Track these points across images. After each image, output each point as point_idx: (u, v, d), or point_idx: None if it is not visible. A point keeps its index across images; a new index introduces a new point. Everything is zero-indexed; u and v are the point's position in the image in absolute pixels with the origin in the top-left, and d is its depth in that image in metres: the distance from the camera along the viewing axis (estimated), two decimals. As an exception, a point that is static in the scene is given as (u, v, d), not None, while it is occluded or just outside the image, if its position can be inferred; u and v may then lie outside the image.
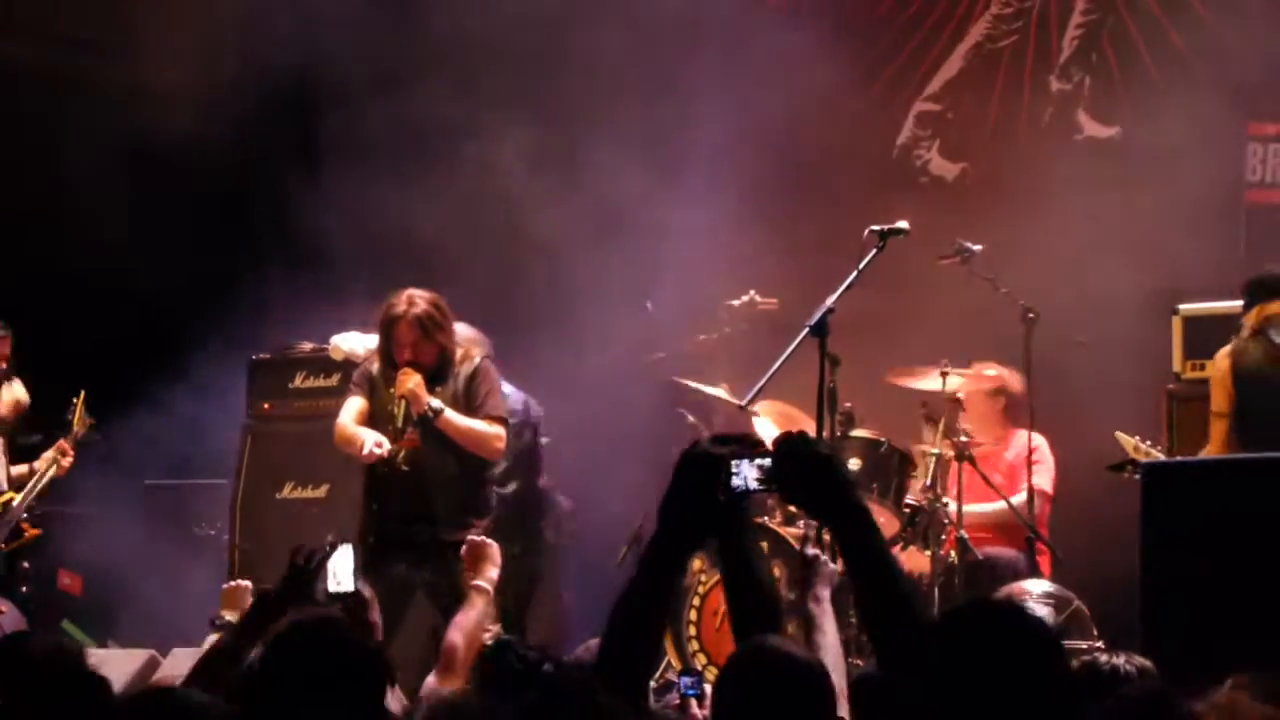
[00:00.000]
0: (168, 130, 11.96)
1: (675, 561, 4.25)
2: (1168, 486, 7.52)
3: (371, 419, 9.13)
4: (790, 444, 4.13)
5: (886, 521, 10.01)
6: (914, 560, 10.09)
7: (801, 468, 4.08)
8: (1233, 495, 7.34)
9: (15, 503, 9.91)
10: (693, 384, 10.69)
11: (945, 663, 3.55)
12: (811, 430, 8.32)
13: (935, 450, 10.08)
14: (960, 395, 10.36)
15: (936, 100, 13.11)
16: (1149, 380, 10.45)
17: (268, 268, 12.08)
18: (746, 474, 4.13)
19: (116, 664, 8.26)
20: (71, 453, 10.05)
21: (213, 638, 7.40)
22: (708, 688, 5.45)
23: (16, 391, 10.38)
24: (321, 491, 10.65)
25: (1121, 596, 8.11)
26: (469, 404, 9.09)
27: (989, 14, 13.00)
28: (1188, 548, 7.23)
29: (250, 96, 12.61)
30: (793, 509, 9.38)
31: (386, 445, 8.95)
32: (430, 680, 6.61)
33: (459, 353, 9.18)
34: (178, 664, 7.91)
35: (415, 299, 9.03)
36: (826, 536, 5.15)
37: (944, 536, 9.94)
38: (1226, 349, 9.47)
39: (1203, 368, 10.00)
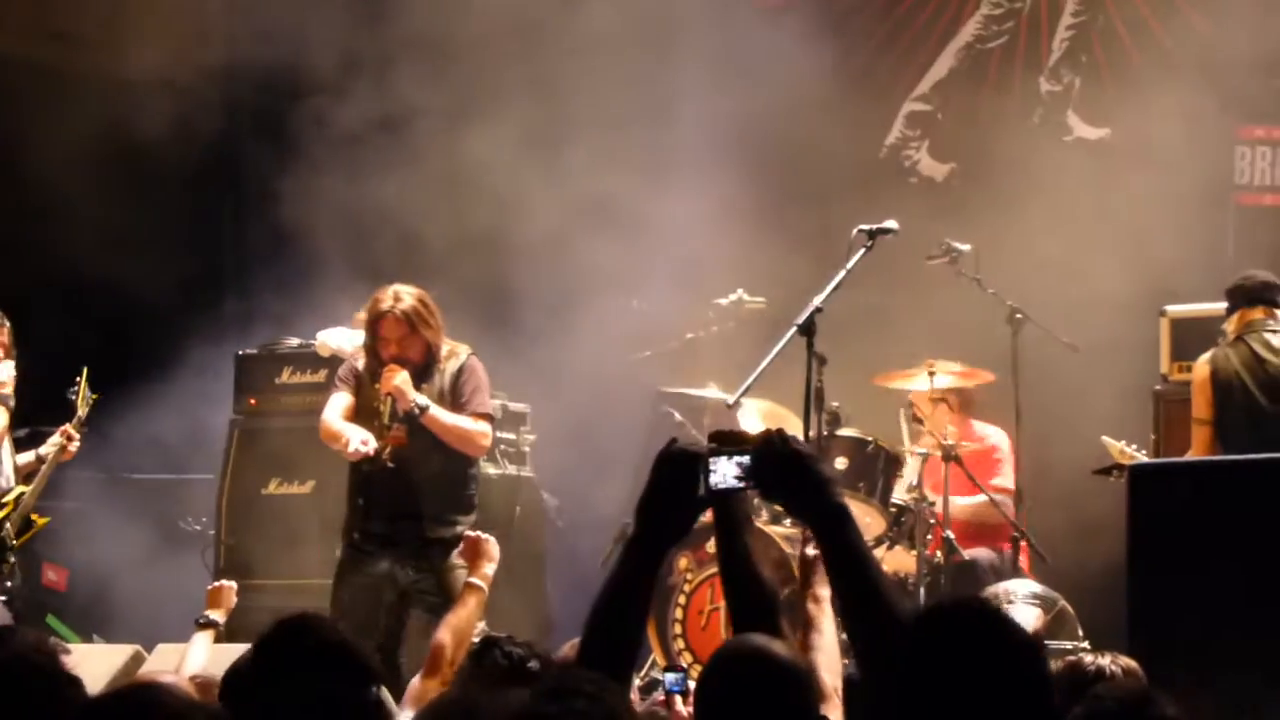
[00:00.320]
0: (151, 123, 11.95)
1: (653, 559, 4.24)
2: (1153, 487, 7.52)
3: (358, 415, 9.11)
4: (769, 442, 4.12)
5: (873, 521, 10.03)
6: (900, 559, 10.10)
7: (780, 465, 4.07)
8: (1218, 496, 7.34)
9: (26, 496, 9.88)
10: (677, 389, 10.71)
11: (919, 665, 3.54)
12: (799, 429, 8.33)
13: (922, 450, 10.09)
14: (910, 397, 10.44)
15: (926, 100, 13.12)
16: (1136, 381, 10.47)
17: (254, 262, 12.08)
18: (725, 471, 4.11)
19: (101, 659, 8.24)
20: (78, 437, 9.97)
21: (199, 635, 7.43)
22: (692, 685, 5.45)
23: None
24: (308, 487, 10.63)
25: (1108, 596, 8.11)
26: (455, 400, 9.07)
27: (979, 14, 13.01)
28: (1173, 548, 7.23)
29: (234, 89, 12.61)
30: (779, 508, 9.38)
31: (373, 442, 8.93)
32: (414, 682, 6.60)
33: (445, 349, 9.16)
34: (163, 659, 7.89)
35: (401, 295, 9.01)
36: None
37: (930, 536, 9.94)
38: (1207, 355, 9.49)
39: (1190, 369, 10.01)
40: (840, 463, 9.95)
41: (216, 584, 7.83)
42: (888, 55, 13.09)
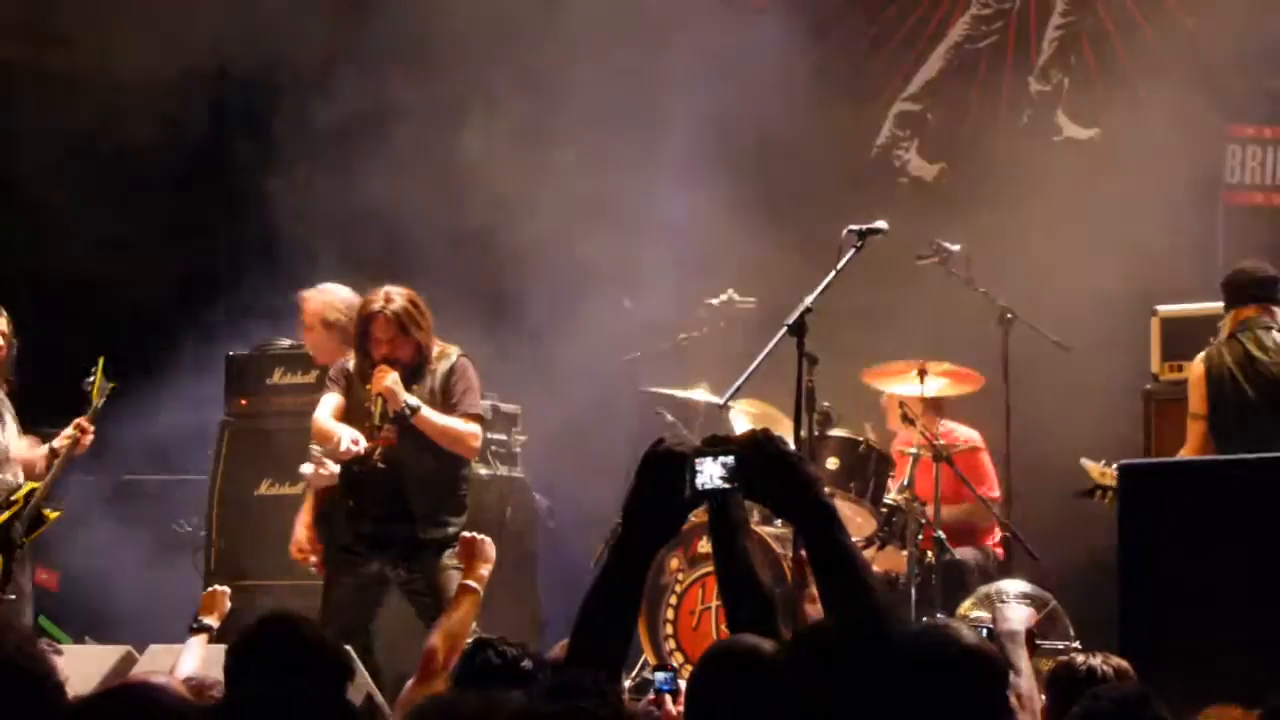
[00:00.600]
0: (141, 125, 11.95)
1: (641, 560, 4.25)
2: (1143, 487, 7.53)
3: (349, 415, 9.11)
4: (754, 443, 4.13)
5: (864, 521, 10.04)
6: (891, 559, 10.10)
7: (765, 466, 4.08)
8: (1208, 496, 7.35)
9: (37, 493, 9.85)
10: (668, 390, 10.72)
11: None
12: (790, 429, 8.33)
13: (914, 450, 10.09)
14: (882, 399, 10.46)
15: (916, 101, 13.13)
16: (1127, 381, 10.47)
17: (246, 263, 12.07)
18: (710, 472, 4.12)
19: (92, 660, 8.22)
20: (91, 429, 9.90)
21: (193, 640, 7.43)
22: (683, 684, 5.45)
23: None
24: (299, 488, 10.61)
25: (1099, 596, 8.13)
26: (445, 401, 9.07)
27: (968, 15, 13.01)
28: (1165, 547, 7.24)
29: (223, 90, 12.60)
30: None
31: (363, 442, 8.93)
32: (408, 686, 6.59)
33: (436, 350, 9.16)
34: (154, 660, 7.88)
35: (392, 295, 9.01)
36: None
37: (920, 536, 9.95)
38: (1203, 352, 9.49)
39: (1181, 369, 10.02)
40: (831, 463, 9.96)
41: (210, 589, 7.83)
42: (877, 56, 13.10)
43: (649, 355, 11.36)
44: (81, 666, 7.35)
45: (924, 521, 9.93)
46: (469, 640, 6.30)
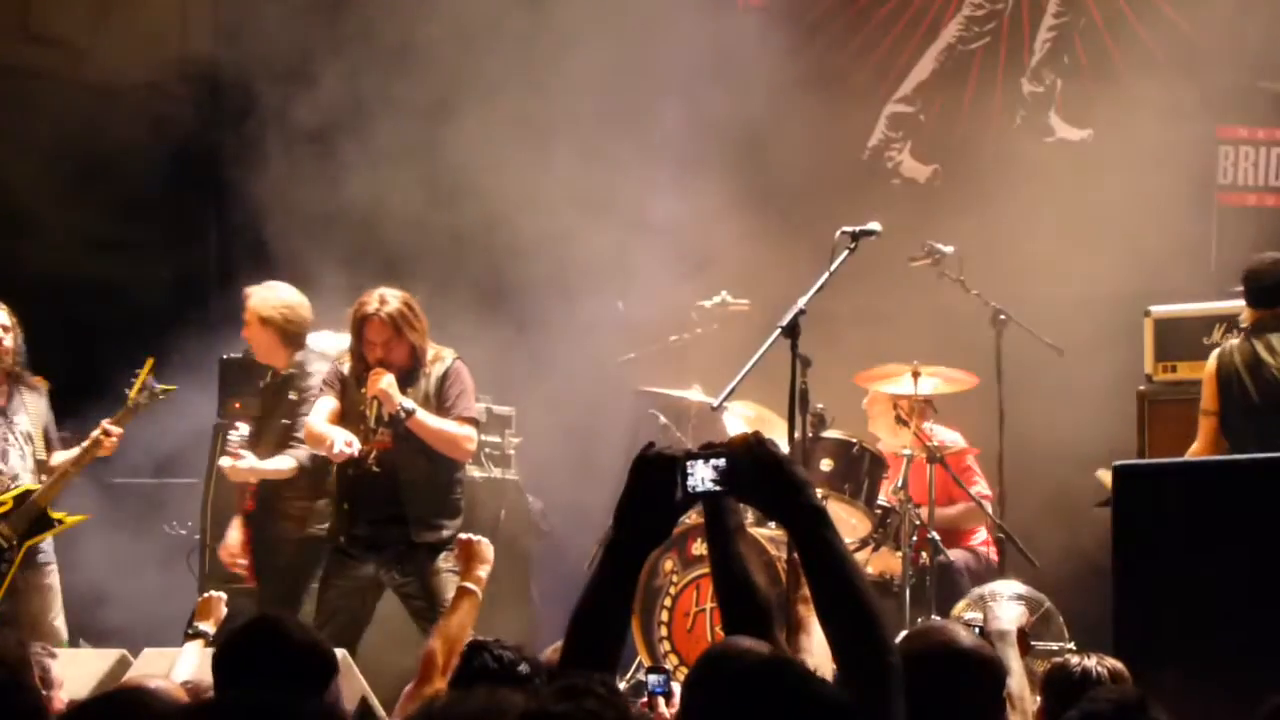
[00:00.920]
0: (132, 126, 11.94)
1: (633, 562, 4.25)
2: (1138, 488, 7.53)
3: (343, 419, 9.12)
4: (745, 445, 4.13)
5: (858, 522, 10.04)
6: (885, 561, 10.10)
7: (756, 468, 4.09)
8: (1203, 497, 7.35)
9: (34, 495, 9.83)
10: (661, 391, 10.72)
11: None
12: (784, 431, 8.33)
13: (908, 451, 10.09)
14: (863, 402, 10.47)
15: (908, 102, 13.13)
16: (1120, 382, 10.46)
17: (237, 264, 12.06)
18: (701, 475, 4.12)
19: (87, 664, 8.22)
20: (118, 431, 9.82)
21: (190, 645, 7.43)
22: (676, 687, 5.45)
23: None
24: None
25: (1093, 597, 8.13)
26: (440, 404, 9.08)
27: (960, 16, 13.01)
28: (1159, 548, 7.24)
29: (216, 91, 12.59)
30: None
31: (357, 444, 8.94)
32: (407, 689, 6.59)
33: (430, 353, 9.17)
34: (148, 664, 7.88)
35: (387, 297, 9.02)
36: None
37: (915, 538, 9.95)
38: (1218, 349, 9.47)
39: (1174, 369, 10.03)
40: (825, 465, 9.96)
41: (205, 595, 7.84)
42: (870, 57, 13.10)
43: (642, 357, 11.37)
44: (76, 670, 7.35)
45: (918, 523, 9.93)
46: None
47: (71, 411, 10.43)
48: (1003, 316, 10.43)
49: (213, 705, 4.23)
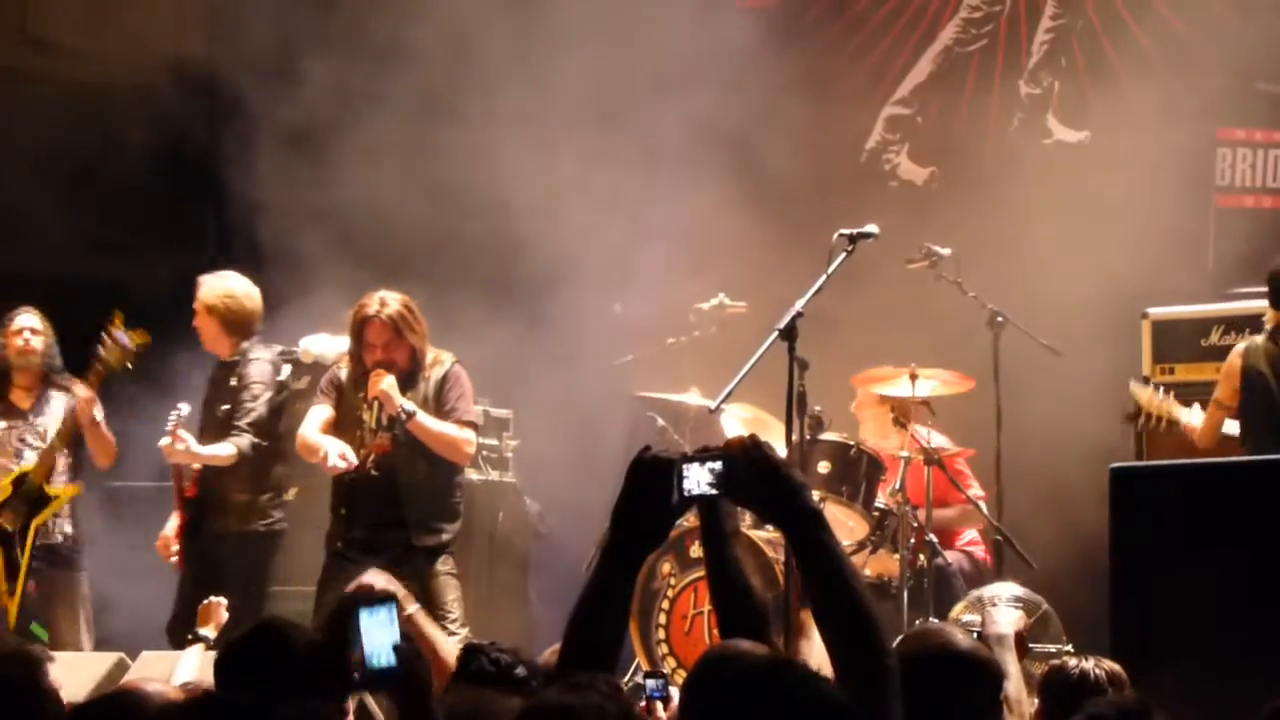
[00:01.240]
0: (132, 127, 11.94)
1: (630, 566, 4.26)
2: (1135, 490, 7.53)
3: (339, 425, 9.13)
4: (741, 448, 4.14)
5: (856, 525, 10.04)
6: (883, 563, 10.10)
7: (752, 471, 4.09)
8: (1201, 498, 7.35)
9: (30, 475, 9.83)
10: (659, 395, 10.73)
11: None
12: (781, 434, 8.33)
13: (905, 453, 10.10)
14: (852, 406, 10.48)
15: (906, 104, 13.13)
16: (1118, 384, 10.46)
17: (235, 265, 12.05)
18: (698, 478, 4.13)
19: (85, 666, 8.23)
20: (86, 395, 9.75)
21: (190, 650, 7.44)
22: (674, 691, 5.45)
23: None
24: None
25: (1090, 599, 8.12)
26: (439, 408, 9.09)
27: (958, 18, 13.01)
28: (1157, 551, 7.23)
29: (212, 92, 12.59)
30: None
31: (351, 456, 8.95)
32: None
33: (430, 356, 9.18)
34: (147, 667, 7.89)
35: (387, 300, 9.04)
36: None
37: (912, 540, 9.95)
38: (1242, 346, 9.46)
39: (1172, 371, 10.04)
40: (823, 467, 9.95)
41: (205, 601, 7.85)
42: (867, 59, 13.10)
43: (640, 359, 11.37)
44: (74, 673, 7.35)
45: (915, 525, 9.94)
46: (461, 644, 6.30)
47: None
48: (1000, 319, 10.42)
49: (199, 703, 4.25)
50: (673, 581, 10.00)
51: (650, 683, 5.63)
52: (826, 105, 12.53)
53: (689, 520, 9.10)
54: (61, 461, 9.98)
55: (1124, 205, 11.36)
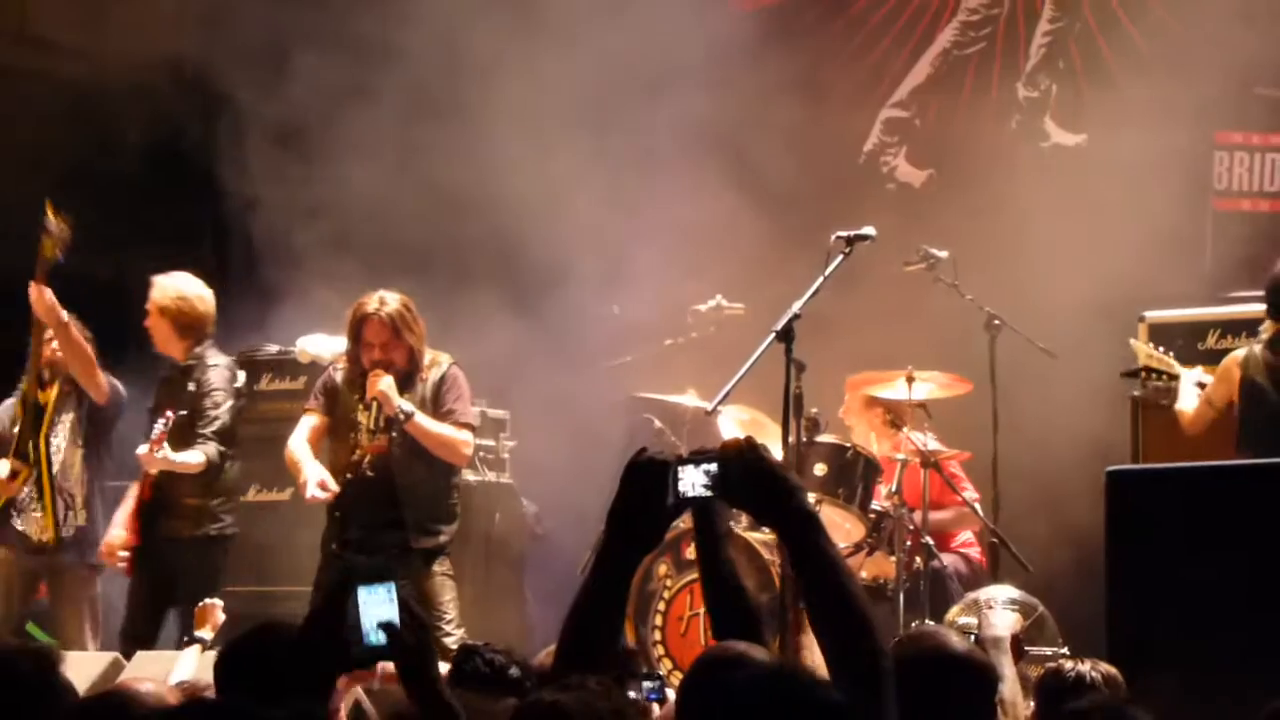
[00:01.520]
0: (128, 128, 11.94)
1: (625, 567, 4.27)
2: (1131, 493, 7.53)
3: (333, 429, 9.12)
4: (736, 450, 4.14)
5: (853, 527, 10.04)
6: (879, 566, 10.10)
7: (746, 474, 4.10)
8: (1198, 502, 7.35)
9: (22, 389, 9.83)
10: (656, 396, 10.73)
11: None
12: (778, 435, 8.33)
13: (901, 455, 10.10)
14: (840, 410, 10.50)
15: (904, 107, 13.13)
16: (1114, 387, 10.46)
17: (233, 265, 12.07)
18: (693, 480, 4.14)
19: (80, 667, 8.21)
20: (35, 295, 9.64)
21: (188, 650, 7.44)
22: (670, 692, 5.46)
23: None
24: (286, 494, 10.60)
25: (1087, 601, 8.13)
26: (437, 409, 9.08)
27: (956, 21, 13.01)
28: (1153, 553, 7.24)
29: (208, 91, 12.60)
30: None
31: (331, 484, 8.93)
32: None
33: (428, 358, 9.17)
34: (142, 667, 7.89)
35: (385, 299, 9.04)
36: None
37: (909, 543, 9.95)
38: (1241, 354, 9.45)
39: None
40: (819, 469, 9.95)
41: (203, 603, 7.85)
42: (865, 61, 13.10)
43: (637, 360, 11.37)
44: (69, 673, 7.34)
45: (911, 527, 9.94)
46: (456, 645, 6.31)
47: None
48: (997, 321, 10.42)
49: (192, 705, 4.26)
50: (668, 583, 10.00)
51: (646, 684, 5.64)
52: (824, 107, 12.52)
53: (686, 522, 9.09)
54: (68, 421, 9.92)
55: (1121, 208, 11.37)
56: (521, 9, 12.24)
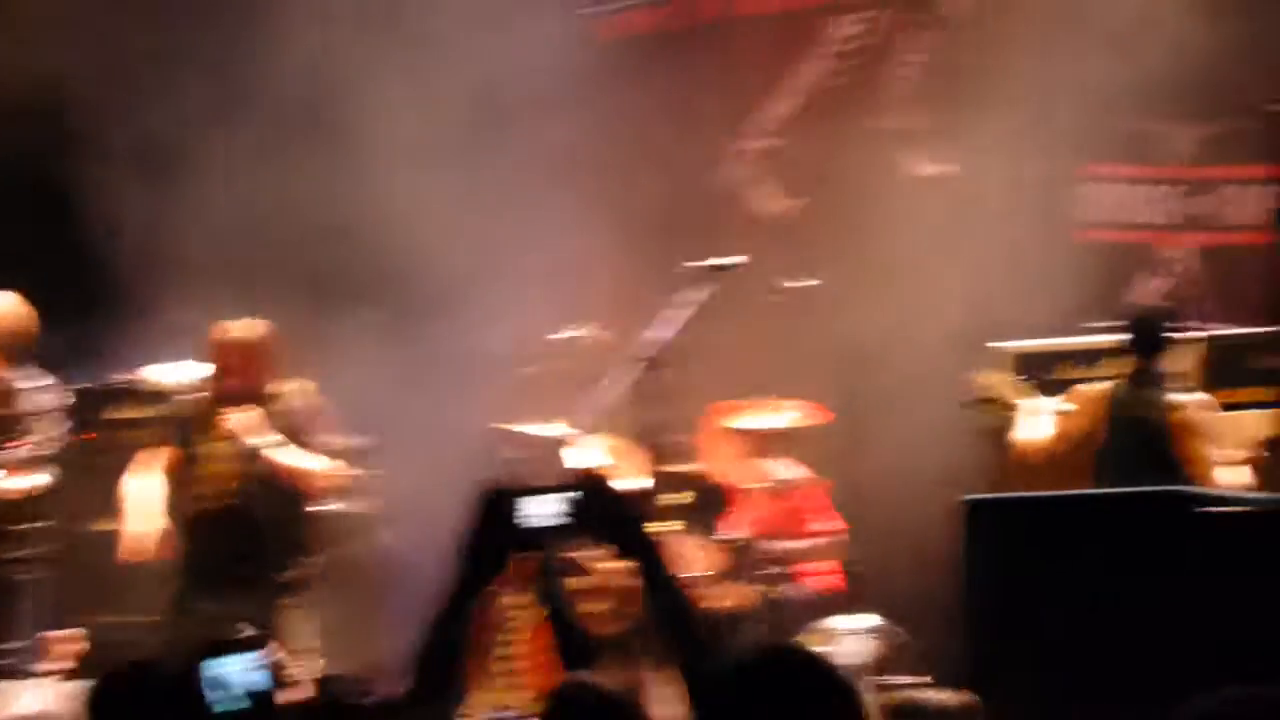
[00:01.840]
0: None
1: (468, 597, 4.28)
2: (988, 521, 7.57)
3: (186, 460, 9.02)
4: (584, 480, 4.19)
5: (710, 556, 10.02)
6: (736, 594, 10.08)
7: (591, 503, 4.13)
8: (1054, 530, 7.41)
9: None
10: (514, 426, 10.69)
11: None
12: (639, 463, 8.33)
13: (760, 484, 10.11)
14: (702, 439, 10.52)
15: (773, 136, 13.17)
16: (975, 416, 10.51)
17: (86, 294, 11.94)
18: (539, 510, 4.17)
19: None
20: None
21: (36, 681, 7.35)
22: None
23: None
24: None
25: (947, 631, 8.15)
26: (297, 438, 9.02)
27: (826, 51, 13.07)
28: (1009, 582, 7.28)
29: (63, 112, 12.48)
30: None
31: (152, 549, 8.82)
32: None
33: (289, 386, 9.11)
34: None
35: (246, 325, 8.98)
36: None
37: (764, 571, 9.94)
38: (1105, 385, 9.52)
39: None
40: (679, 497, 9.94)
41: (42, 634, 7.75)
42: (732, 89, 13.13)
43: (497, 390, 11.32)
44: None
45: (770, 556, 9.95)
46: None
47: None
48: (861, 352, 10.47)
49: None
50: (513, 615, 9.94)
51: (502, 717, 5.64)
52: (691, 136, 12.54)
53: (531, 553, 9.05)
54: None
55: (985, 239, 11.44)
56: (392, 31, 12.20)
